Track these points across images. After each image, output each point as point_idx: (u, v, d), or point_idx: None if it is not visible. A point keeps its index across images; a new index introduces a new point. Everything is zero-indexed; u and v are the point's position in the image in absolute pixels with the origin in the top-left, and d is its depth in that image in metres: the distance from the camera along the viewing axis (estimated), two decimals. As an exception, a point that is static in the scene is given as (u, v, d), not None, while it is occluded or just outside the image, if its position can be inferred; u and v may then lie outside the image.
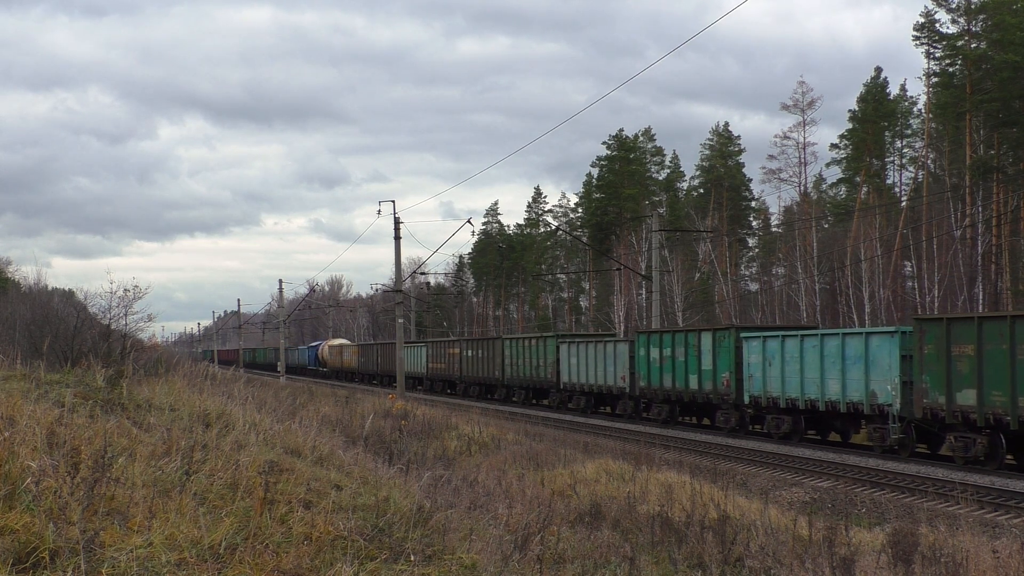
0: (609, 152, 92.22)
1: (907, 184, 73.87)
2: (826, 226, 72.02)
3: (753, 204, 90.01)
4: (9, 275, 72.25)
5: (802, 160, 76.26)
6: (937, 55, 63.66)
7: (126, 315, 28.42)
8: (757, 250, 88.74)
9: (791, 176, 77.29)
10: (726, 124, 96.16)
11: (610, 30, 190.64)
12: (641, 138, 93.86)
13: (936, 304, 56.06)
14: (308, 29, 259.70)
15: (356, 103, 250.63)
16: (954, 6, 61.20)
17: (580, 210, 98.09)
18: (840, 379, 27.77)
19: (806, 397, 29.43)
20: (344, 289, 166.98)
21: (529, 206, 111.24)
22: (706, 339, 34.51)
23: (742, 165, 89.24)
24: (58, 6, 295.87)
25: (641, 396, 39.10)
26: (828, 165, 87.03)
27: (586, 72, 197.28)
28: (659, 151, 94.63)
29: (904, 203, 69.42)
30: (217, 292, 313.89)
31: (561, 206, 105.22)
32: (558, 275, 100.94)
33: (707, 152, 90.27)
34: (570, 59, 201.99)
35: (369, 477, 11.37)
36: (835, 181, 78.33)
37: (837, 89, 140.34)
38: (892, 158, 75.27)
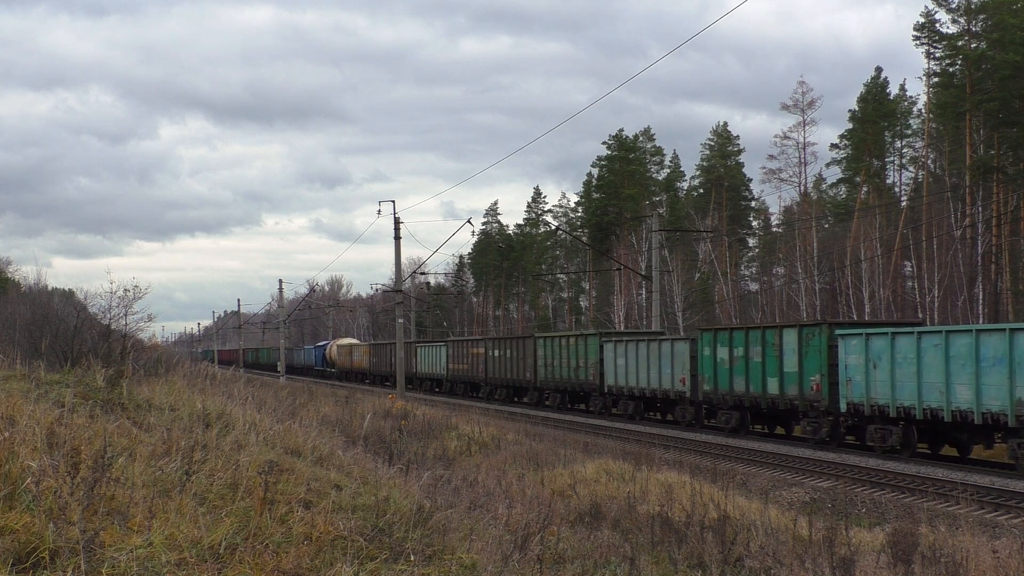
0: (609, 152, 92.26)
1: (907, 184, 73.90)
2: (826, 226, 72.02)
3: (753, 204, 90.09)
4: (9, 275, 72.28)
5: (802, 160, 76.38)
6: (937, 55, 63.70)
7: (126, 315, 28.45)
8: (757, 250, 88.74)
9: (791, 176, 77.44)
10: (725, 124, 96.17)
11: (612, 30, 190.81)
12: (641, 138, 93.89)
13: (936, 304, 56.06)
14: (309, 29, 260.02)
15: (357, 103, 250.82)
16: (954, 6, 61.24)
17: (580, 210, 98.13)
18: (972, 384, 23.66)
19: (925, 405, 25.07)
20: (344, 289, 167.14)
21: (529, 206, 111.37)
22: (790, 337, 30.31)
23: (742, 165, 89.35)
24: (59, 6, 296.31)
25: (704, 401, 34.94)
26: (828, 165, 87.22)
27: (588, 72, 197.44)
28: (659, 151, 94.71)
29: (904, 203, 69.43)
30: (217, 292, 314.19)
31: (561, 206, 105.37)
32: (558, 275, 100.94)
33: (707, 152, 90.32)
34: (572, 59, 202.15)
35: (369, 477, 11.37)
36: (835, 181, 78.45)
37: (839, 89, 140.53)
38: (892, 158, 75.31)
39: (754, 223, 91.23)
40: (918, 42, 63.88)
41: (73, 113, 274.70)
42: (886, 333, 26.60)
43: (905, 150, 74.81)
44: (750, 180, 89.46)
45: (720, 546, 10.79)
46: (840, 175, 76.48)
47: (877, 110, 71.49)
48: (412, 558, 7.53)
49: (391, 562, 7.38)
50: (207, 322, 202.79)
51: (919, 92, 72.66)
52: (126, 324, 28.83)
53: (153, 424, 11.63)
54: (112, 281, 36.05)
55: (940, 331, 25.30)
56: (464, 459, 23.89)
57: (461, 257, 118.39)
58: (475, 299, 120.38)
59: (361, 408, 33.55)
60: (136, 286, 28.12)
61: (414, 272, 79.15)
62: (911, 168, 73.77)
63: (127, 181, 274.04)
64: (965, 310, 54.62)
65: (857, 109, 72.73)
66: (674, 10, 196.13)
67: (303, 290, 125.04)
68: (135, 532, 6.82)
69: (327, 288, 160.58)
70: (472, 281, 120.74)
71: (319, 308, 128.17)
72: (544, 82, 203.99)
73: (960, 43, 61.29)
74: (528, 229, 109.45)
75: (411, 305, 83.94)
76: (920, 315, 56.23)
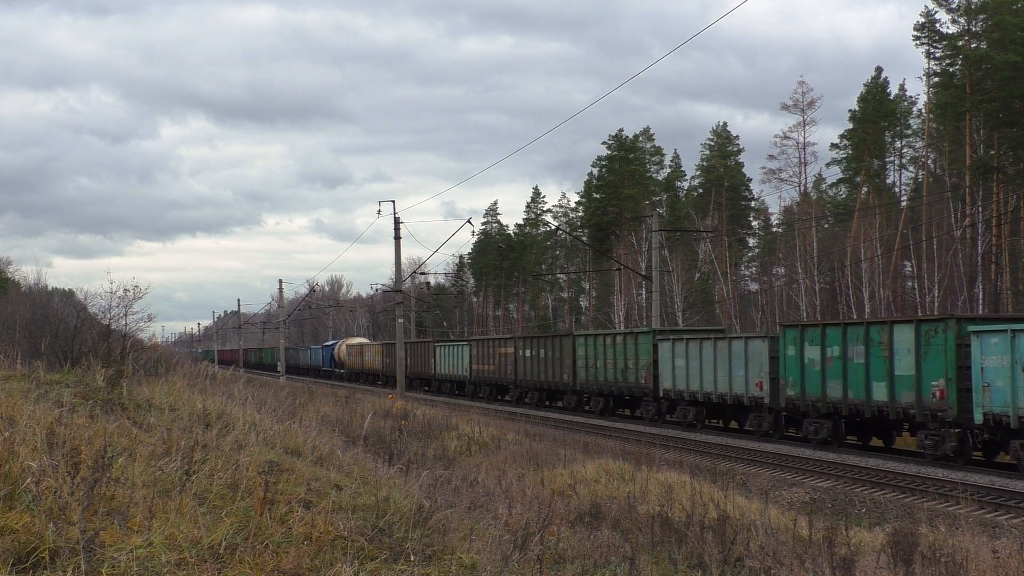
0: (609, 152, 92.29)
1: (907, 184, 73.93)
2: (826, 226, 72.05)
3: (753, 204, 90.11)
4: (9, 275, 72.29)
5: (802, 160, 76.38)
6: (937, 55, 63.73)
7: (126, 315, 28.52)
8: (757, 250, 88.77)
9: (791, 176, 77.43)
10: (725, 124, 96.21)
11: (614, 29, 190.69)
12: (640, 138, 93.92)
13: (936, 304, 56.08)
14: (311, 28, 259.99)
15: (359, 103, 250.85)
16: (954, 6, 61.25)
17: (580, 210, 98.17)
18: None
19: None
20: (344, 289, 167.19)
21: (528, 206, 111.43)
22: (903, 334, 25.85)
23: (742, 165, 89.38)
24: (61, 5, 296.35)
25: (787, 408, 30.49)
26: (828, 165, 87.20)
27: (590, 72, 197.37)
28: (658, 151, 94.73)
29: (904, 203, 69.45)
30: (218, 292, 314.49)
31: (561, 206, 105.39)
32: (558, 275, 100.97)
33: (707, 152, 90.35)
34: (574, 58, 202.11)
35: (369, 477, 11.38)
36: (835, 181, 78.49)
37: (841, 89, 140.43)
38: (892, 158, 75.33)
39: (754, 223, 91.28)
40: (918, 42, 63.96)
41: (74, 113, 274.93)
42: None
43: (905, 150, 74.93)
44: (750, 180, 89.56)
45: (720, 546, 10.79)
46: (840, 175, 76.59)
47: (877, 110, 71.52)
48: (412, 558, 7.53)
49: (391, 562, 7.39)
50: (207, 322, 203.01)
51: (919, 92, 72.82)
52: (126, 324, 28.91)
53: (153, 424, 11.64)
54: (112, 281, 36.12)
55: None
56: (464, 459, 23.89)
57: (461, 257, 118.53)
58: (475, 299, 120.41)
59: (361, 408, 33.56)
60: (136, 286, 28.24)
61: (414, 272, 79.15)
62: (911, 168, 73.87)
63: (128, 181, 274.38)
64: (965, 310, 54.61)
65: (857, 109, 72.76)
66: (676, 9, 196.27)
67: (303, 290, 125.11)
68: (135, 532, 6.83)
69: (327, 288, 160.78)
70: (472, 281, 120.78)
71: (319, 308, 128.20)
72: (546, 82, 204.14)
73: (960, 43, 61.31)
74: (528, 229, 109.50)
75: (411, 305, 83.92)
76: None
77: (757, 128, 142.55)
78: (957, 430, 24.38)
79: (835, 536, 10.64)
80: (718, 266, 78.95)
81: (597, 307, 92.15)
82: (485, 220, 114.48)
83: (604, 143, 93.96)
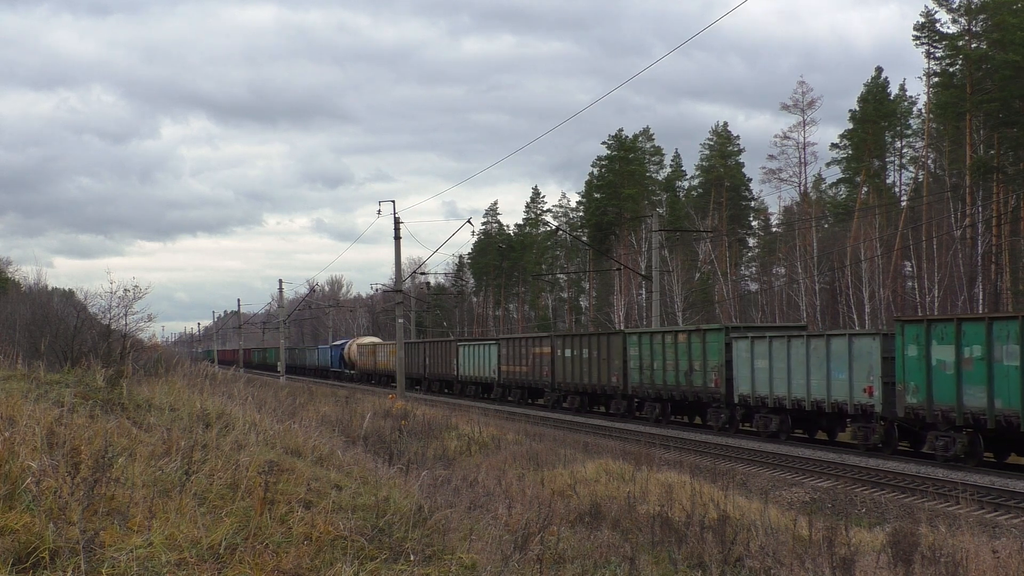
0: (609, 152, 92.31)
1: (907, 184, 73.96)
2: (826, 226, 72.06)
3: (753, 204, 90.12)
4: (9, 275, 72.30)
5: (802, 160, 76.39)
6: (937, 55, 63.74)
7: (126, 315, 28.54)
8: (757, 250, 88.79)
9: (791, 176, 77.44)
10: (725, 124, 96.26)
11: (616, 29, 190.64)
12: (640, 138, 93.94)
13: (936, 304, 56.08)
14: (312, 28, 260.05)
15: (360, 102, 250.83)
16: (955, 6, 61.26)
17: (580, 210, 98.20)
18: None
19: None
20: (344, 289, 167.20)
21: (528, 206, 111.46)
22: None
23: (742, 165, 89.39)
24: (62, 5, 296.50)
25: (908, 418, 25.71)
26: (828, 165, 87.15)
27: (592, 71, 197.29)
28: (658, 151, 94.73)
29: (904, 203, 69.47)
30: (218, 292, 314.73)
31: (561, 206, 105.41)
32: (558, 275, 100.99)
33: (707, 152, 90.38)
34: (576, 58, 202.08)
35: (369, 477, 11.38)
36: (835, 181, 78.49)
37: (842, 88, 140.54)
38: (892, 158, 75.34)
39: (754, 223, 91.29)
40: (918, 42, 63.96)
41: (75, 113, 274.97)
42: None
43: (905, 150, 74.93)
44: (750, 180, 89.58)
45: (720, 546, 10.79)
46: (840, 175, 76.60)
47: (877, 110, 71.53)
48: (412, 558, 7.53)
49: (391, 562, 7.39)
50: (207, 322, 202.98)
51: (919, 92, 72.79)
52: (126, 324, 28.93)
53: (153, 424, 11.64)
54: (112, 281, 36.11)
55: None
56: (464, 459, 23.91)
57: (461, 257, 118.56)
58: (475, 299, 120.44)
59: (361, 408, 33.58)
60: (136, 286, 28.25)
61: (414, 272, 79.15)
62: (911, 168, 73.88)
63: (129, 181, 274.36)
64: (965, 310, 54.60)
65: (857, 109, 72.78)
66: (679, 9, 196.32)
67: (303, 290, 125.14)
68: (135, 532, 6.83)
69: (327, 288, 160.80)
70: (472, 281, 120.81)
71: (319, 308, 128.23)
72: (547, 82, 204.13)
73: (960, 43, 61.32)
74: (528, 229, 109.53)
75: (411, 305, 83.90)
76: (919, 316, 56.20)
77: (759, 128, 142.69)
78: None
79: (835, 536, 10.64)
80: (718, 266, 78.97)
81: (597, 307, 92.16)
82: (485, 220, 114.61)
83: (604, 143, 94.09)
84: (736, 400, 33.04)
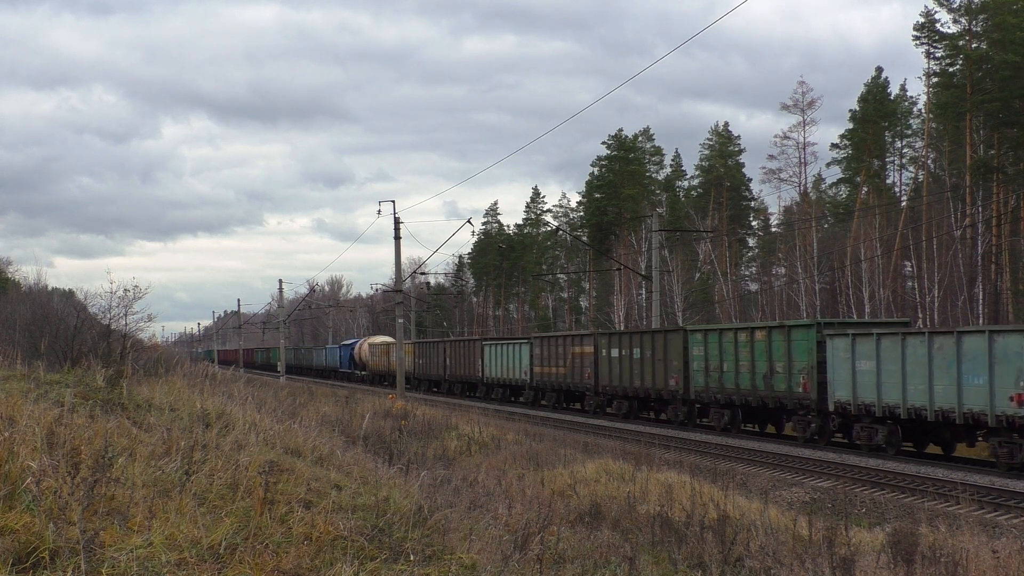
0: (609, 152, 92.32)
1: (907, 184, 73.95)
2: (826, 226, 72.07)
3: (753, 204, 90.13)
4: (9, 275, 72.33)
5: (802, 160, 76.37)
6: (938, 55, 63.75)
7: (126, 315, 28.52)
8: (757, 250, 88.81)
9: (791, 176, 77.43)
10: (726, 124, 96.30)
11: (618, 28, 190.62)
12: (640, 138, 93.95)
13: (936, 304, 56.08)
14: (314, 28, 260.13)
15: (361, 102, 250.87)
16: (955, 6, 61.27)
17: (580, 210, 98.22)
18: None
19: None
20: (344, 289, 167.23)
21: (528, 206, 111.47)
22: None
23: (742, 165, 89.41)
24: (64, 4, 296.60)
25: None
26: (828, 165, 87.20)
27: (594, 71, 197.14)
28: (658, 151, 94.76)
29: (904, 203, 69.46)
30: (218, 292, 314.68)
31: (561, 206, 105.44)
32: (558, 275, 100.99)
33: (707, 152, 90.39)
34: (578, 58, 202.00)
35: (369, 477, 11.38)
36: (835, 181, 78.53)
37: (844, 88, 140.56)
38: (892, 158, 75.34)
39: (754, 223, 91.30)
40: (918, 42, 63.98)
41: (76, 112, 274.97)
42: None
43: (905, 150, 74.94)
44: (750, 180, 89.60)
45: (720, 546, 10.79)
46: (840, 175, 76.62)
47: (877, 110, 71.54)
48: (412, 558, 7.54)
49: (391, 562, 7.39)
50: (207, 322, 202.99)
51: (919, 92, 72.79)
52: (126, 324, 28.91)
53: (153, 424, 11.64)
54: (112, 281, 36.11)
55: None
56: (464, 459, 23.90)
57: (461, 257, 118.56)
58: (475, 299, 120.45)
59: (361, 408, 33.58)
60: (136, 286, 28.22)
61: (414, 272, 79.13)
62: (911, 168, 73.89)
63: (129, 181, 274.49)
64: (965, 310, 54.63)
65: (857, 109, 72.79)
66: (680, 8, 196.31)
67: (303, 290, 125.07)
68: (135, 532, 6.83)
69: (327, 288, 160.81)
70: (472, 281, 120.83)
71: (319, 308, 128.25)
72: (549, 81, 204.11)
73: (961, 43, 61.32)
74: (528, 229, 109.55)
75: (411, 305, 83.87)
76: (920, 315, 56.24)
77: (760, 127, 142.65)
78: None
79: (835, 536, 10.63)
80: (718, 266, 78.97)
81: (597, 307, 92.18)
82: (485, 220, 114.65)
83: (604, 143, 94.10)
84: (831, 407, 28.34)
